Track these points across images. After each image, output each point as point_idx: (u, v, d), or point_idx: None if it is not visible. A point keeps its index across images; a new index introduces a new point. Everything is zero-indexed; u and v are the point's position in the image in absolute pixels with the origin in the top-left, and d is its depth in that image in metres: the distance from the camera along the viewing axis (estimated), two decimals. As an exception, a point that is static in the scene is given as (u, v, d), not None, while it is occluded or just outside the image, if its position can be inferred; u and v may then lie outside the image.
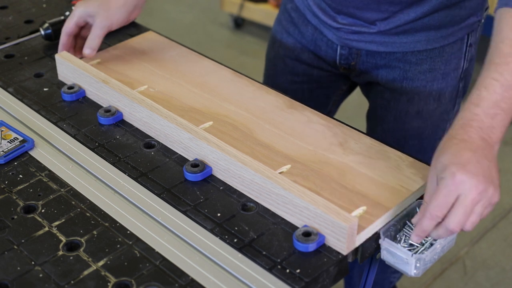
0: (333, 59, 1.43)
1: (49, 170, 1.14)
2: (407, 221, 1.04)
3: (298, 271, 0.95)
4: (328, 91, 1.54)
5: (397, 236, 1.03)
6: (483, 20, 1.39)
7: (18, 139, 1.19)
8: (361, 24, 1.33)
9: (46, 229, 1.02)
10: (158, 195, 1.08)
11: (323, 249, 0.98)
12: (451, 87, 1.39)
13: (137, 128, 1.24)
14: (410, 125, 1.42)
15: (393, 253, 1.00)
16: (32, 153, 1.18)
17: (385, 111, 1.44)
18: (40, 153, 1.18)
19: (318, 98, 1.54)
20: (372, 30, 1.33)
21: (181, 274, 0.95)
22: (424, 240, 1.02)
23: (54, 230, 1.02)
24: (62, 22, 1.43)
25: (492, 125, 0.95)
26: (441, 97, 1.39)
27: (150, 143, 1.20)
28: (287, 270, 0.95)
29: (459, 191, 0.92)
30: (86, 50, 1.34)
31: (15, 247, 0.99)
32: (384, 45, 1.35)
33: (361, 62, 1.40)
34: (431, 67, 1.35)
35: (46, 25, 1.46)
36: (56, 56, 1.35)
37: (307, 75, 1.51)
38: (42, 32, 1.46)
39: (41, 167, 1.15)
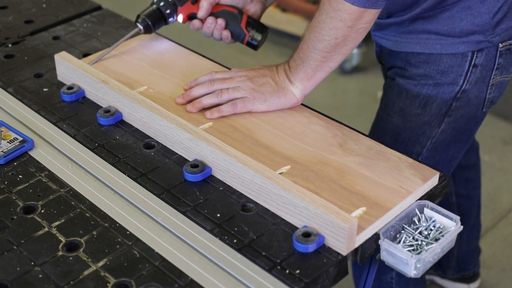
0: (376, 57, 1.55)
1: (49, 171, 1.14)
2: (405, 224, 1.04)
3: (297, 271, 0.95)
4: None
5: (397, 236, 1.03)
6: (498, 44, 1.32)
7: (18, 139, 1.19)
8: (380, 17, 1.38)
9: (46, 229, 1.02)
10: (158, 196, 1.08)
11: (323, 250, 0.98)
12: (441, 100, 1.36)
13: (136, 129, 1.24)
14: (392, 118, 1.43)
15: (393, 253, 1.00)
16: (31, 153, 1.18)
17: (382, 98, 1.49)
18: (40, 154, 1.18)
19: None
20: (384, 22, 1.38)
21: (181, 274, 0.95)
22: (424, 240, 1.02)
23: (54, 231, 1.02)
24: (157, 11, 1.38)
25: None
26: (427, 105, 1.38)
27: (149, 143, 1.20)
28: (287, 271, 0.95)
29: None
30: None
31: (15, 247, 0.99)
32: (396, 44, 1.39)
33: (386, 61, 1.47)
34: (426, 73, 1.36)
35: (142, 17, 1.38)
36: (56, 56, 1.35)
37: None
38: (140, 26, 1.38)
39: (41, 168, 1.15)
